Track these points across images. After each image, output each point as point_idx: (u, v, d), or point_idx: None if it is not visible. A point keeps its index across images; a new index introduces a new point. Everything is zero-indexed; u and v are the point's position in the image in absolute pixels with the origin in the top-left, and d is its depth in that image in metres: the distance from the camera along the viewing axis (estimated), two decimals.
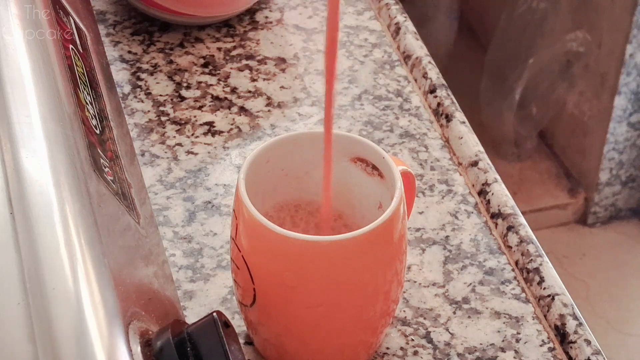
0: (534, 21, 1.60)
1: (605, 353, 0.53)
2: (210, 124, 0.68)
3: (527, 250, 0.58)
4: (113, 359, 0.30)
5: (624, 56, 1.46)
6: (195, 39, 0.75)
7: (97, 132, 0.41)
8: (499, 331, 0.54)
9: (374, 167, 0.51)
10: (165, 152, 0.65)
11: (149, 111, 0.68)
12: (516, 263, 0.58)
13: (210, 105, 0.69)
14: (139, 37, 0.75)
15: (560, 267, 1.55)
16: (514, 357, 0.53)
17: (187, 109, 0.69)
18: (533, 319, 0.55)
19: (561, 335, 0.54)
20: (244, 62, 0.73)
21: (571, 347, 0.53)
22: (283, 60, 0.74)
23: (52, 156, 0.35)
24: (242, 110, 0.69)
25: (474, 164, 0.64)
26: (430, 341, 0.54)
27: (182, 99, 0.70)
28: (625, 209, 1.67)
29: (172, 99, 0.69)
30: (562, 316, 0.55)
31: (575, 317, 0.54)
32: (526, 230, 0.59)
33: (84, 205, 0.34)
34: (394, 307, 0.51)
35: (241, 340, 0.54)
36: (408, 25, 0.76)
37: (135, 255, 0.38)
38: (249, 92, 0.70)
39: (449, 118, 0.68)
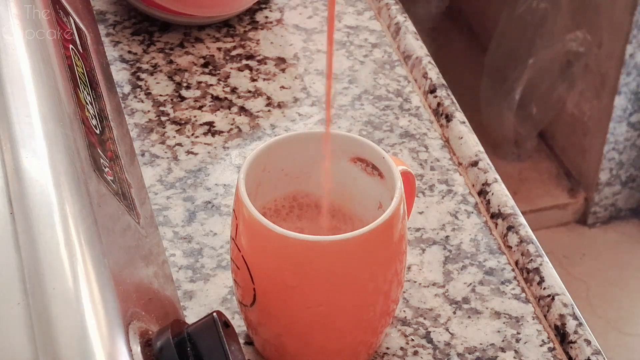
0: (534, 21, 1.60)
1: (605, 353, 0.53)
2: (210, 124, 0.68)
3: (527, 250, 0.58)
4: (113, 359, 0.30)
5: (624, 56, 1.46)
6: (195, 39, 0.75)
7: (97, 132, 0.41)
8: (499, 331, 0.54)
9: (374, 167, 0.51)
10: (165, 152, 0.65)
11: (149, 111, 0.68)
12: (516, 263, 0.58)
13: (210, 105, 0.69)
14: (139, 37, 0.75)
15: (560, 267, 1.55)
16: (514, 357, 0.53)
17: (187, 109, 0.69)
18: (533, 319, 0.55)
19: (561, 335, 0.54)
20: (244, 62, 0.73)
21: (571, 347, 0.53)
22: (283, 60, 0.74)
23: (52, 156, 0.35)
24: (242, 110, 0.69)
25: (474, 164, 0.64)
26: (430, 341, 0.54)
27: (182, 99, 0.70)
28: (625, 209, 1.67)
29: (172, 99, 0.69)
30: (562, 316, 0.55)
31: (575, 317, 0.54)
32: (526, 230, 0.59)
33: (84, 205, 0.34)
34: (394, 307, 0.51)
35: (241, 340, 0.54)
36: (408, 25, 0.76)
37: (135, 255, 0.38)
38: (249, 92, 0.70)
39: (449, 118, 0.68)
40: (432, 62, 0.73)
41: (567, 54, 1.58)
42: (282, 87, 0.71)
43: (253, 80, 0.71)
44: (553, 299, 0.55)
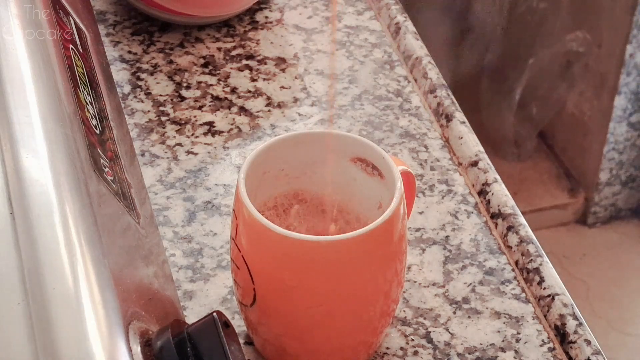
0: (534, 21, 1.60)
1: (605, 353, 0.53)
2: (210, 124, 0.68)
3: (527, 250, 0.58)
4: (113, 359, 0.30)
5: (624, 56, 1.46)
6: (195, 39, 0.75)
7: (97, 132, 0.41)
8: (499, 331, 0.54)
9: (374, 167, 0.51)
10: (165, 152, 0.65)
11: (149, 111, 0.68)
12: (516, 263, 0.58)
13: (210, 105, 0.69)
14: (139, 37, 0.75)
15: (560, 267, 1.55)
16: (514, 357, 0.53)
17: (187, 109, 0.69)
18: (533, 319, 0.55)
19: (561, 335, 0.54)
20: (244, 62, 0.73)
21: (571, 347, 0.53)
22: (283, 60, 0.74)
23: (52, 156, 0.35)
24: (242, 110, 0.69)
25: (474, 164, 0.64)
26: (430, 341, 0.54)
27: (182, 99, 0.70)
28: (625, 209, 1.67)
29: (172, 99, 0.69)
30: (562, 316, 0.55)
31: (575, 317, 0.54)
32: (526, 230, 0.59)
33: (84, 205, 0.34)
34: (394, 307, 0.51)
35: (241, 340, 0.54)
36: (408, 25, 0.76)
37: (135, 255, 0.38)
38: (249, 92, 0.70)
39: (449, 118, 0.68)
40: (432, 62, 0.73)
41: (567, 54, 1.58)
42: (282, 87, 0.71)
43: (253, 80, 0.71)
44: (553, 299, 0.55)
